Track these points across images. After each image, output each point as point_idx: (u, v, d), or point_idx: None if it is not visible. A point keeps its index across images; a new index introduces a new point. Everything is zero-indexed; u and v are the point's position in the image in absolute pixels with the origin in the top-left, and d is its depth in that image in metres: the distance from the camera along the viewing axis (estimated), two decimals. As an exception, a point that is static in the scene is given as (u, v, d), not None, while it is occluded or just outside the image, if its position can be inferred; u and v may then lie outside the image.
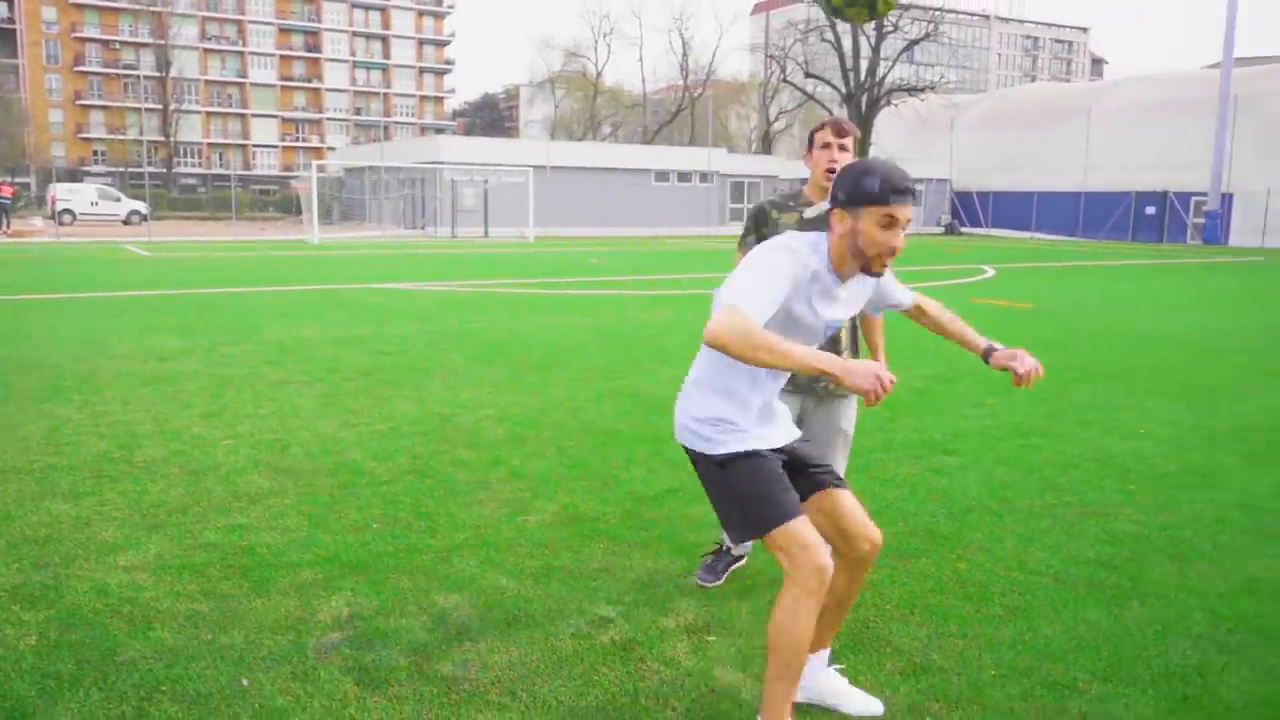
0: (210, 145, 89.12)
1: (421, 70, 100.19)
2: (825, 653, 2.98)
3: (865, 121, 52.11)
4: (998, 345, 2.99)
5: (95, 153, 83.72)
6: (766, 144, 75.00)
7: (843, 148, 3.46)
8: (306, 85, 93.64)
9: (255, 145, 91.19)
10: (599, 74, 78.71)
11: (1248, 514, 4.83)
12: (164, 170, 77.31)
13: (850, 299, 2.69)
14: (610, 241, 36.04)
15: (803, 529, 2.54)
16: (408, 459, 5.60)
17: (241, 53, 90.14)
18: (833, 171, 3.39)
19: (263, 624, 3.44)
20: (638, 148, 54.33)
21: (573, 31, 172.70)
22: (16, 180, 68.21)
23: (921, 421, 6.72)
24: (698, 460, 2.69)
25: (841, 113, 56.53)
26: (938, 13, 56.23)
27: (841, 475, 3.05)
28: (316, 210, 33.59)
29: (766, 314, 2.36)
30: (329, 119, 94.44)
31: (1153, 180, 44.50)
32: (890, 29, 52.74)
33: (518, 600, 3.68)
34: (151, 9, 79.72)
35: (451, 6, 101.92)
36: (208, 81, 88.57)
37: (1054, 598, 3.77)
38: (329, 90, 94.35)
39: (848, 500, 2.77)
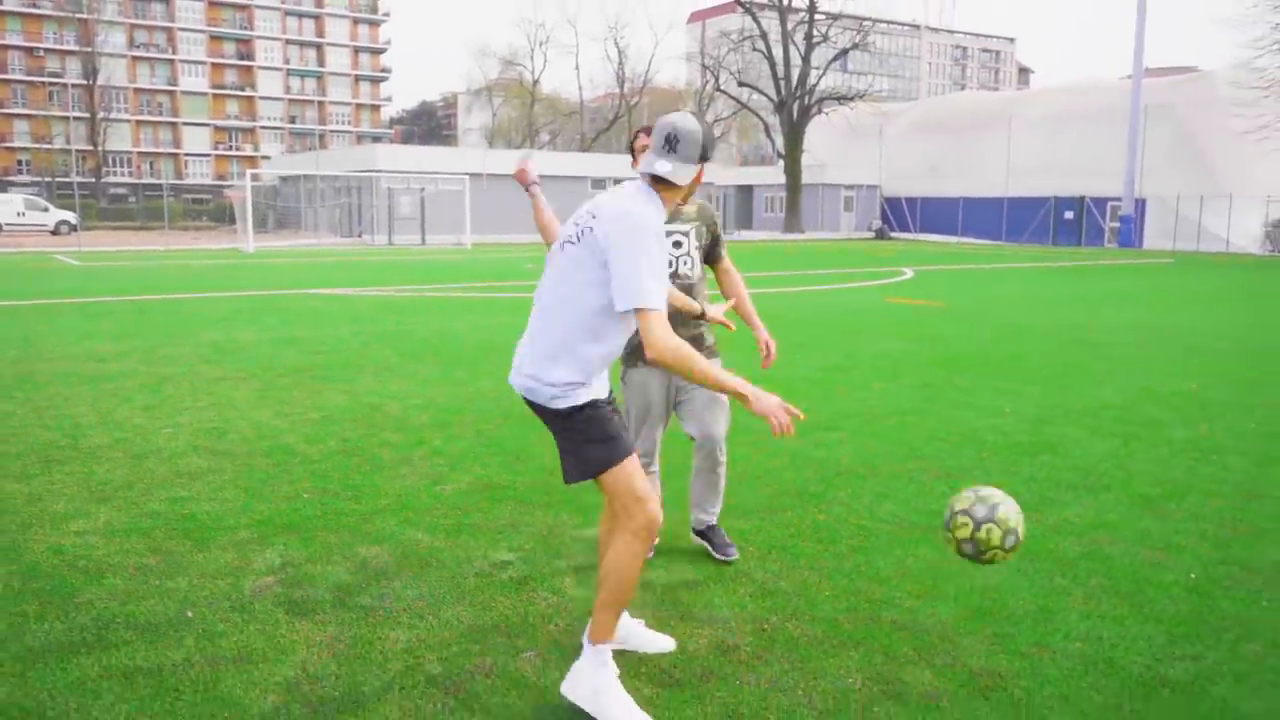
0: (140, 154, 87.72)
1: (357, 78, 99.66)
2: None
3: (796, 129, 53.34)
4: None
5: (20, 162, 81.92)
6: (703, 152, 76.03)
7: None
8: (239, 93, 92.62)
9: (187, 154, 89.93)
10: (535, 82, 79.15)
11: (1078, 474, 5.55)
12: (93, 180, 75.92)
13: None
14: (543, 249, 36.47)
15: (638, 479, 2.97)
16: (337, 442, 6.11)
17: (172, 60, 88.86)
18: None
19: (205, 572, 3.94)
20: (574, 155, 54.91)
21: (509, 39, 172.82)
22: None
23: (812, 405, 7.38)
24: (539, 410, 3.11)
25: (774, 120, 57.78)
26: (867, 22, 57.84)
27: (721, 435, 3.95)
28: (251, 219, 33.59)
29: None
30: (263, 127, 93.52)
31: (1071, 186, 46.29)
32: (820, 39, 54.08)
33: (431, 550, 4.23)
34: (77, 15, 78.27)
35: (387, 14, 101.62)
36: (137, 90, 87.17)
37: (893, 539, 4.42)
38: (262, 98, 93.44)
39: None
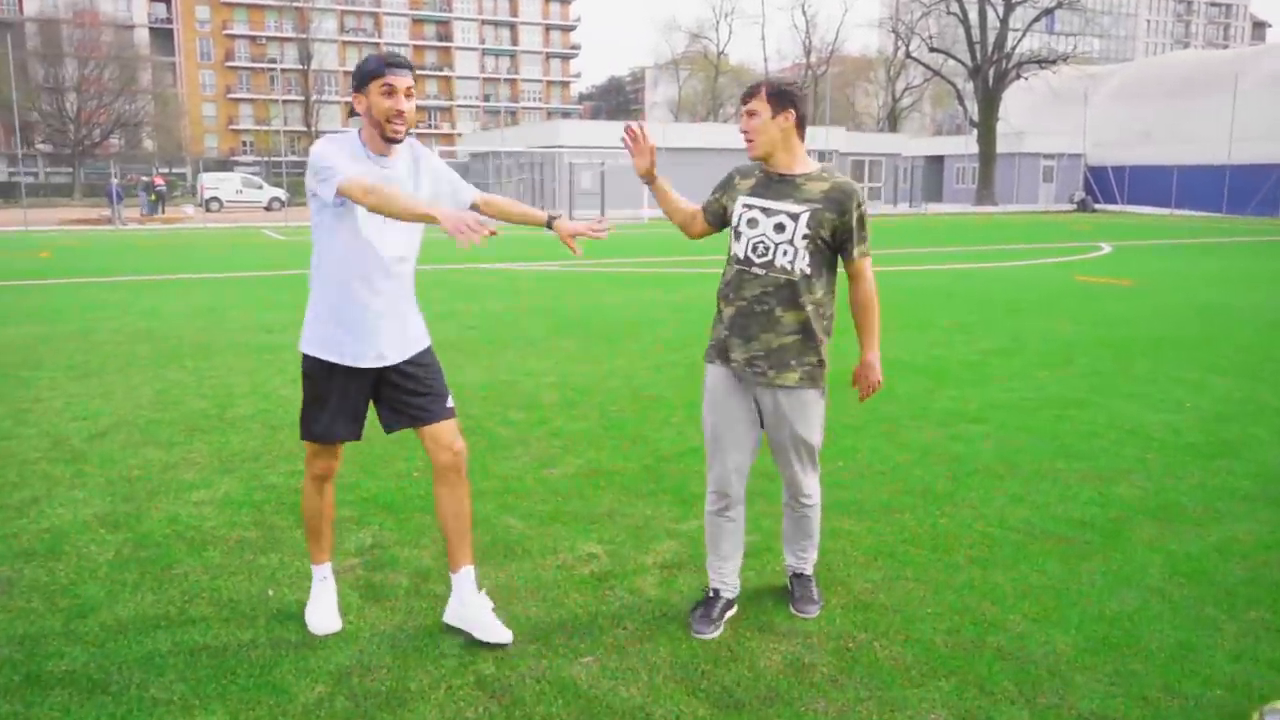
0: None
1: (548, 55, 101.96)
2: (468, 570, 3.28)
3: (992, 95, 50.53)
4: (559, 213, 3.44)
5: (244, 143, 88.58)
6: (894, 121, 73.56)
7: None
8: (438, 74, 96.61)
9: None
10: (720, 54, 78.51)
11: (1259, 483, 4.87)
12: (306, 159, 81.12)
13: (403, 177, 3.15)
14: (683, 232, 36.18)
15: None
16: (461, 419, 6.11)
17: (377, 44, 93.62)
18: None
19: (298, 549, 3.99)
20: (757, 128, 54.02)
21: (696, 12, 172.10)
22: (174, 171, 73.08)
23: (963, 393, 6.86)
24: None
25: (968, 88, 54.95)
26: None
27: (803, 484, 3.39)
28: (440, 194, 34.81)
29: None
30: (459, 105, 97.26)
31: (1307, 152, 41.74)
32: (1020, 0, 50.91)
33: (520, 538, 4.13)
34: (294, 5, 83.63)
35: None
36: (346, 72, 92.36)
37: (1018, 551, 3.98)
38: (459, 78, 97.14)
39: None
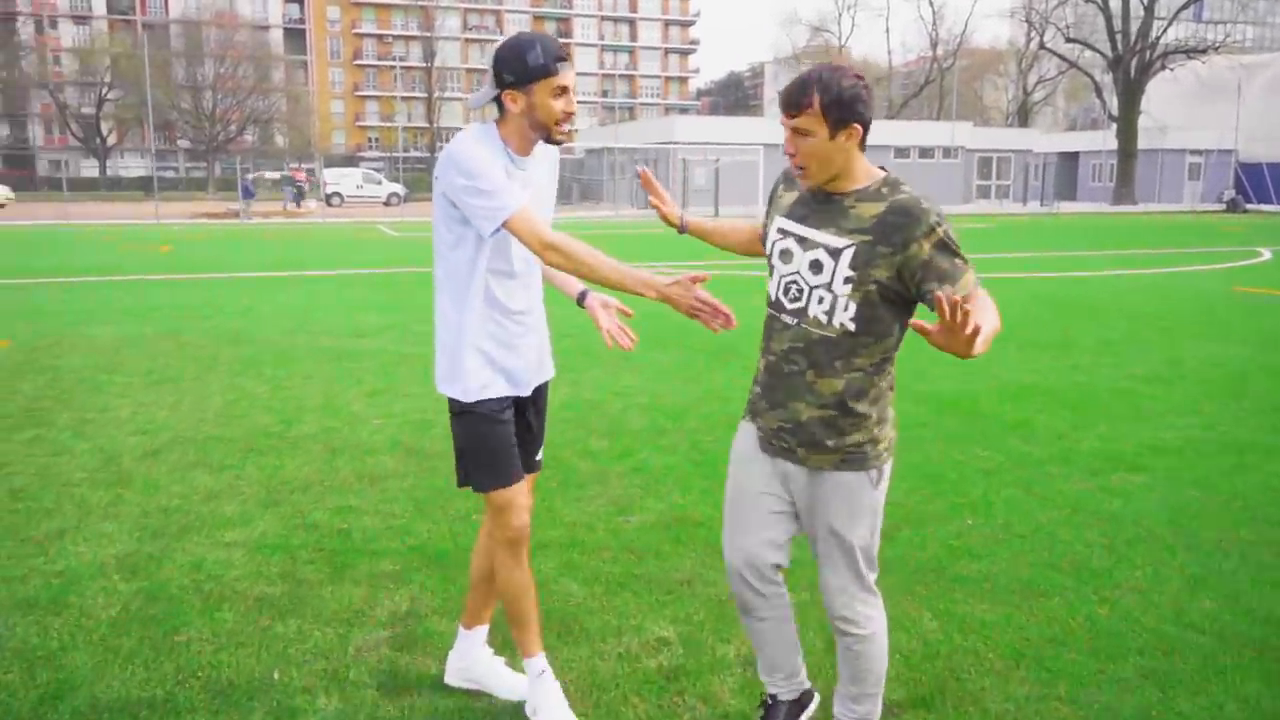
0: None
1: (667, 51, 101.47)
2: (482, 630, 2.98)
3: (1134, 88, 47.60)
4: (589, 289, 2.81)
5: (370, 139, 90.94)
6: (1024, 116, 70.42)
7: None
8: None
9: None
10: (842, 47, 76.60)
11: None
12: (428, 155, 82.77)
13: (543, 182, 2.73)
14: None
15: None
16: (537, 447, 5.52)
17: (500, 41, 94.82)
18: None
19: (321, 614, 3.42)
20: (880, 123, 52.38)
21: (817, 5, 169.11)
22: (303, 165, 75.53)
23: (1115, 430, 5.90)
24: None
25: (1106, 80, 51.96)
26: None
27: (842, 610, 2.51)
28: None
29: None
30: (579, 101, 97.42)
31: None
32: (1168, -15, 47.80)
33: (580, 609, 3.47)
34: (420, 4, 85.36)
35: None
36: (469, 70, 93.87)
37: (1209, 663, 3.11)
38: (579, 74, 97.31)
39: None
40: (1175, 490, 4.79)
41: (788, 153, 2.29)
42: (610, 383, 7.25)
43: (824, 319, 2.31)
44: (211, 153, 67.92)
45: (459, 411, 2.67)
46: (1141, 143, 48.24)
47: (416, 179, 62.50)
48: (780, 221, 2.42)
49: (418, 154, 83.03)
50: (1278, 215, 40.86)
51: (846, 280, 2.26)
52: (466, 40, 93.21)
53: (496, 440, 2.65)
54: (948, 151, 46.60)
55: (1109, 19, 48.43)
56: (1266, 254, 19.70)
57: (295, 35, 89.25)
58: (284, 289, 13.17)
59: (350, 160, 78.61)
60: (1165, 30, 48.34)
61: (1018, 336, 9.09)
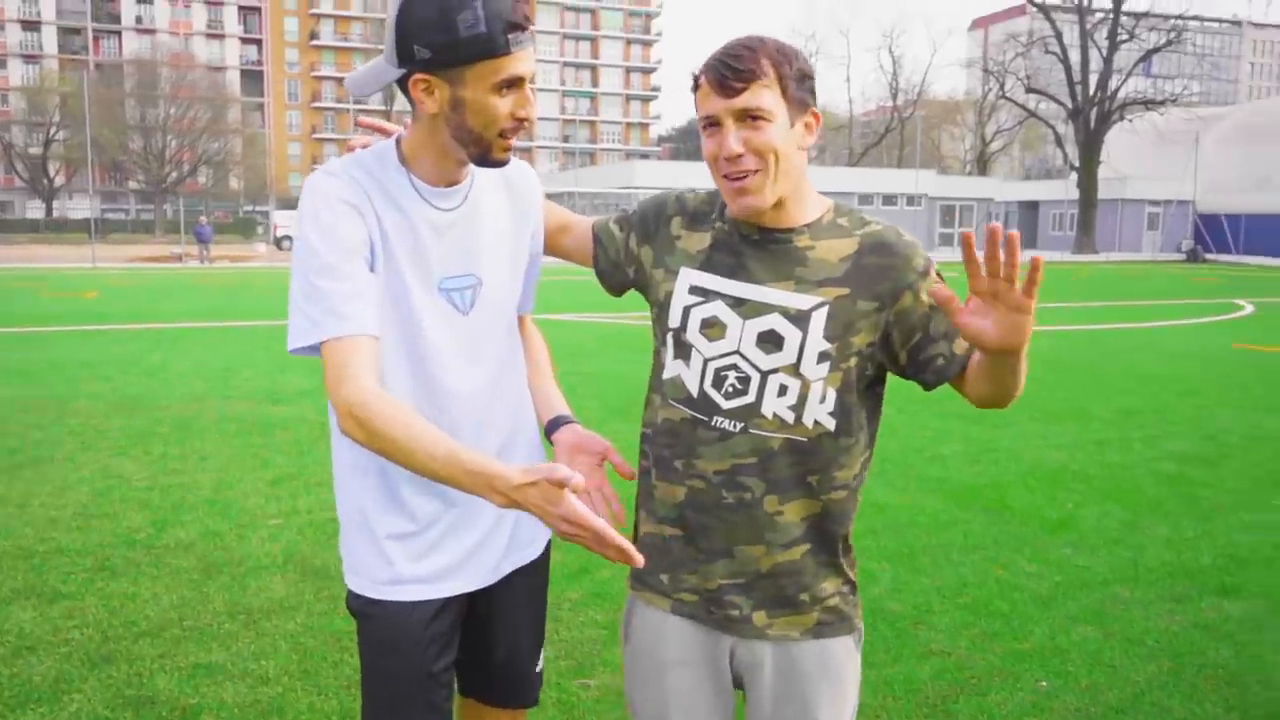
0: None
1: (628, 97, 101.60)
2: None
3: (1093, 138, 47.85)
4: (569, 417, 1.82)
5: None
6: (982, 165, 70.95)
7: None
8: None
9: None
10: (804, 96, 76.98)
11: None
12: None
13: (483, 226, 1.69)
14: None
15: None
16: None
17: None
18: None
19: None
20: (840, 170, 52.24)
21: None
22: (258, 209, 73.95)
23: (1179, 531, 4.86)
24: None
25: (1067, 131, 52.31)
26: (1180, 20, 51.13)
27: None
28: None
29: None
30: (539, 147, 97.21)
31: None
32: (1125, 37, 48.33)
33: None
34: (379, 47, 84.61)
35: (659, 34, 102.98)
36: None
37: None
38: (540, 119, 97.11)
39: None
40: (1288, 627, 3.74)
41: (728, 156, 1.48)
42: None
43: (789, 417, 1.54)
44: (161, 194, 66.25)
45: (356, 611, 1.69)
46: (1102, 192, 48.39)
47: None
48: (692, 276, 1.62)
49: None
50: (1239, 266, 40.91)
51: (822, 357, 1.53)
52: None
53: (401, 668, 1.64)
54: (911, 199, 46.36)
55: (1069, 70, 48.75)
56: (1249, 307, 19.08)
57: (253, 77, 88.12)
58: (207, 342, 11.90)
59: (306, 203, 77.20)
60: (1124, 83, 48.77)
61: (1028, 405, 8.09)
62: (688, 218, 1.67)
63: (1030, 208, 55.28)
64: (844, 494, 1.60)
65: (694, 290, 1.60)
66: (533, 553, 1.83)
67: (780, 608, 1.59)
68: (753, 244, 1.57)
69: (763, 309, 1.54)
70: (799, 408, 1.53)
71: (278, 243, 41.48)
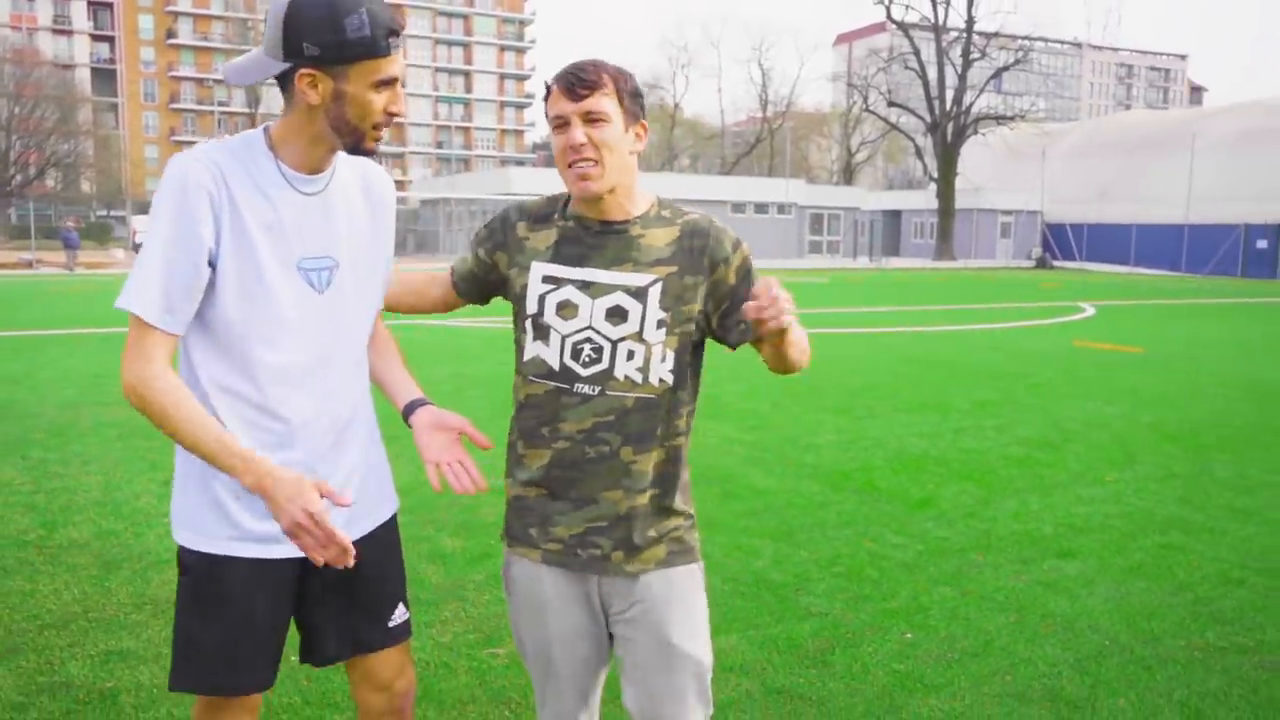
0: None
1: (503, 104, 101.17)
2: None
3: (950, 151, 50.30)
4: (425, 400, 2.02)
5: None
6: (848, 175, 73.52)
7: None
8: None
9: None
10: (676, 105, 78.21)
11: None
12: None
13: (348, 213, 1.89)
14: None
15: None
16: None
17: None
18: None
19: None
20: (714, 179, 53.36)
21: (651, 63, 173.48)
22: (112, 214, 70.45)
23: (1025, 505, 5.38)
24: None
25: (926, 143, 54.84)
26: (1026, 40, 54.33)
27: None
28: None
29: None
30: (412, 153, 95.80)
31: (1266, 212, 41.72)
32: (978, 56, 51.03)
33: (440, 810, 2.51)
34: (242, 48, 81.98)
35: (533, 42, 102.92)
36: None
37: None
38: (412, 125, 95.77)
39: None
40: (1116, 582, 4.24)
41: (573, 145, 1.80)
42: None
43: (638, 377, 1.86)
44: (5, 198, 62.40)
45: (189, 566, 1.85)
46: (959, 202, 50.87)
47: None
48: (544, 268, 1.91)
49: (240, 202, 79.06)
50: (1082, 271, 43.71)
51: (660, 324, 1.85)
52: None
53: (235, 622, 1.83)
54: (782, 208, 47.73)
55: (926, 86, 51.11)
56: (1090, 309, 20.54)
57: (105, 76, 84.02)
58: (71, 350, 11.48)
59: (165, 208, 73.90)
60: (977, 99, 51.43)
61: (893, 398, 8.66)
62: (530, 220, 1.96)
63: (894, 216, 57.65)
64: (682, 439, 1.93)
65: (546, 279, 1.89)
66: (375, 520, 1.99)
67: (634, 546, 1.89)
68: (595, 235, 1.88)
69: (608, 289, 1.85)
70: (645, 369, 1.85)
71: (136, 249, 39.71)
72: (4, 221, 61.69)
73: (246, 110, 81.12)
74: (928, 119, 51.51)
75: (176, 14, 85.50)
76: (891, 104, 53.49)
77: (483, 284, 2.05)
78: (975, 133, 51.61)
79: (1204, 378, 10.42)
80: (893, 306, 20.44)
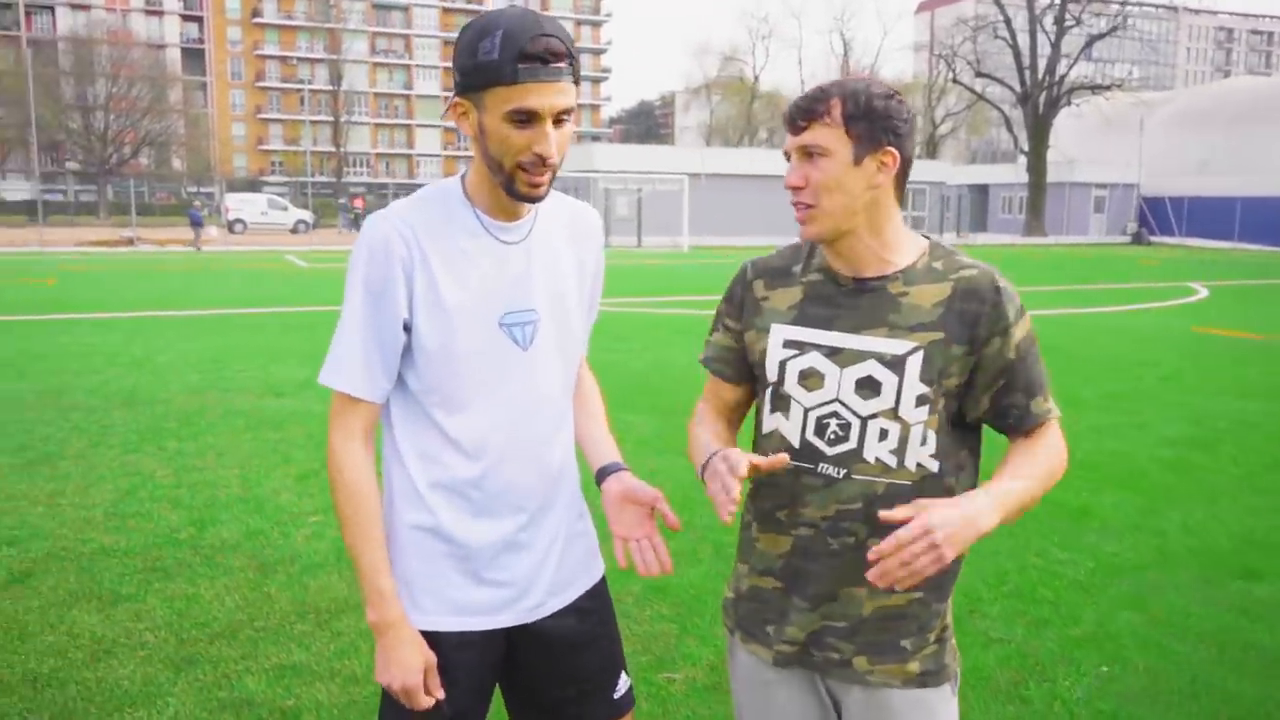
0: (378, 155, 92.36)
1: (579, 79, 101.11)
2: None
3: (1042, 123, 48.74)
4: (620, 465, 1.80)
5: (273, 163, 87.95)
6: (931, 148, 71.83)
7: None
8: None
9: (419, 154, 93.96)
10: (756, 78, 77.24)
11: None
12: (334, 180, 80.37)
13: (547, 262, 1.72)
14: (768, 250, 34.52)
15: None
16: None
17: (408, 65, 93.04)
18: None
19: None
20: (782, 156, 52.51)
21: (730, 36, 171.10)
22: (202, 190, 72.37)
23: (1191, 516, 5.08)
24: None
25: (1015, 114, 53.18)
26: (1122, 4, 52.22)
27: None
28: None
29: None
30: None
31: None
32: (1072, 23, 49.22)
33: None
34: (326, 26, 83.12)
35: (609, 15, 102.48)
36: (376, 94, 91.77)
37: None
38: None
39: None
40: (1316, 608, 3.96)
41: (790, 185, 1.58)
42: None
43: (891, 461, 1.58)
44: (103, 175, 64.47)
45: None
46: (1050, 176, 49.35)
47: (324, 205, 60.34)
48: (784, 331, 1.66)
49: (324, 179, 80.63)
50: (1182, 247, 42.05)
51: (920, 400, 1.56)
52: (374, 64, 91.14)
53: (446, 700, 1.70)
54: (865, 183, 46.82)
55: (1017, 55, 49.53)
56: (1203, 291, 19.67)
57: (194, 55, 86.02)
58: (185, 332, 11.72)
59: (253, 185, 75.74)
60: (1071, 67, 49.68)
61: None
62: (768, 278, 1.73)
63: (980, 191, 56.19)
64: None
65: (788, 344, 1.66)
66: (580, 588, 1.86)
67: (882, 654, 1.63)
68: (847, 293, 1.63)
69: (859, 356, 1.59)
70: (900, 451, 1.58)
71: (229, 226, 40.68)
72: (103, 199, 63.81)
73: (330, 88, 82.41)
74: (1018, 89, 49.95)
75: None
76: (979, 74, 51.98)
77: (740, 362, 1.77)
78: (1068, 103, 49.92)
79: (1348, 369, 9.83)
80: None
